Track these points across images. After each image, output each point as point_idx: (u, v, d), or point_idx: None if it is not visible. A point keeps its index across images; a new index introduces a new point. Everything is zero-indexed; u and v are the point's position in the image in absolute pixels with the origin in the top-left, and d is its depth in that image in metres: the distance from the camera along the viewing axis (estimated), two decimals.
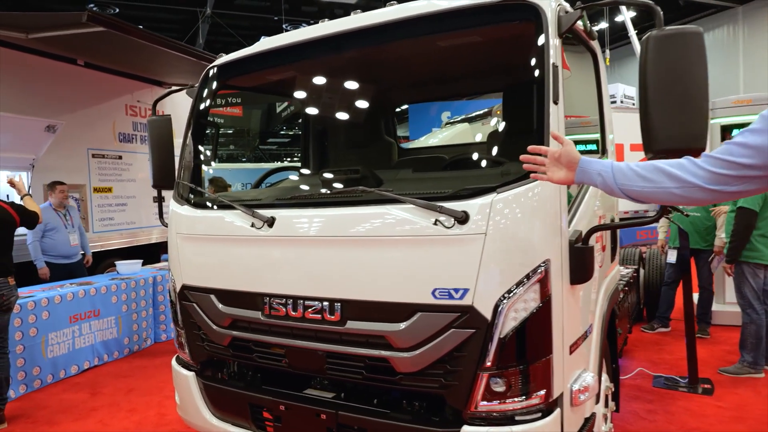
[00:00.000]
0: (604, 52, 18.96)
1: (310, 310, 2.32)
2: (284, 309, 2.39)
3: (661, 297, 5.95)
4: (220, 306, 2.61)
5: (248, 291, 2.52)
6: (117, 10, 16.72)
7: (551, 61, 2.08)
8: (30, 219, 4.33)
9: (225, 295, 2.61)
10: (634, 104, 13.38)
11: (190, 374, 2.79)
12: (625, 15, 13.70)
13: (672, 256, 5.74)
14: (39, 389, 4.75)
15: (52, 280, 5.81)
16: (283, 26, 20.63)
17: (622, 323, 4.01)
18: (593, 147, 6.34)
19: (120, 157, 7.84)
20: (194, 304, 2.73)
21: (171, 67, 7.19)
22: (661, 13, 1.97)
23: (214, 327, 2.63)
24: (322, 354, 2.32)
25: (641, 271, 6.15)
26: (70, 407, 4.34)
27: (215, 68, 3.04)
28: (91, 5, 15.46)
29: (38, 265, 5.83)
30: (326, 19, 2.77)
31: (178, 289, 2.82)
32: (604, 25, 17.26)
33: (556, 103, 2.06)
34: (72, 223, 6.21)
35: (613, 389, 2.94)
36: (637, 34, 13.84)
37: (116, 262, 6.28)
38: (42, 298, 4.83)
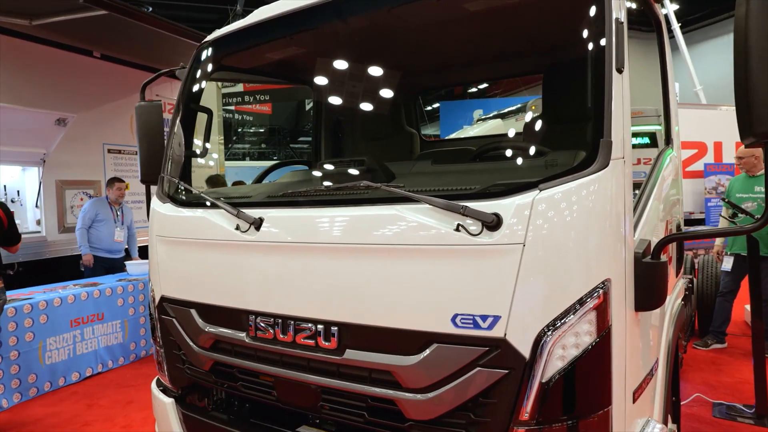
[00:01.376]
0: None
1: (301, 333, 1.87)
2: (272, 331, 1.95)
3: (716, 309, 5.33)
4: (201, 323, 2.19)
5: (232, 307, 2.09)
6: (150, 9, 16.73)
7: (614, 16, 1.58)
8: (12, 232, 4.05)
9: (207, 310, 2.18)
10: (678, 100, 12.61)
11: (169, 401, 2.38)
12: (668, 6, 12.90)
13: (728, 263, 5.11)
14: (34, 398, 4.45)
15: (93, 271, 5.94)
16: None
17: (680, 343, 3.45)
18: (646, 140, 5.75)
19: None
20: (174, 320, 2.31)
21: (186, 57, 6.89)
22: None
23: (195, 348, 2.21)
24: (316, 388, 1.87)
25: (693, 280, 5.53)
26: (61, 422, 4.01)
27: (209, 45, 2.62)
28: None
29: (82, 251, 5.99)
30: None
31: (156, 301, 2.41)
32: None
33: (620, 71, 1.55)
34: (122, 220, 6.30)
35: (676, 430, 2.40)
36: (681, 27, 13.02)
37: (126, 263, 6.00)
38: (40, 301, 4.53)
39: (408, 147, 3.22)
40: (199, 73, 2.64)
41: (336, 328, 1.79)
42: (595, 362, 1.49)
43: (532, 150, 1.88)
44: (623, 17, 1.60)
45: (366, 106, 2.97)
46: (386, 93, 2.94)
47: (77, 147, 6.63)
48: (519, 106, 9.69)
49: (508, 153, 2.20)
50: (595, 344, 1.48)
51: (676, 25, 12.89)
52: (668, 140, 2.46)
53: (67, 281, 5.48)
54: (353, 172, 1.99)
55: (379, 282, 1.71)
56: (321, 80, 2.97)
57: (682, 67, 13.66)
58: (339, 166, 2.13)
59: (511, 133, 4.40)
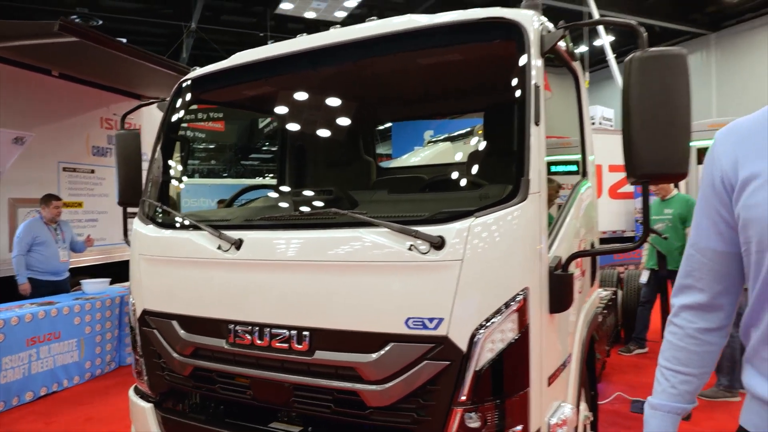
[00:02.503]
0: (584, 74, 19.32)
1: (276, 338, 2.19)
2: (250, 337, 2.25)
3: (637, 318, 5.94)
4: (182, 333, 2.46)
5: (213, 318, 2.37)
6: (100, 22, 16.55)
7: (533, 81, 2.01)
8: None
9: (188, 321, 2.46)
10: (612, 126, 13.57)
11: (148, 406, 2.62)
12: (604, 39, 13.95)
13: (644, 277, 5.74)
14: None
15: (37, 297, 5.61)
16: (268, 43, 20.64)
17: (601, 347, 3.93)
18: (574, 168, 6.35)
19: (93, 171, 7.63)
20: (155, 331, 2.57)
21: (149, 79, 7.05)
22: (645, 34, 1.92)
23: (176, 355, 2.48)
24: (288, 386, 2.19)
25: (619, 292, 6.13)
26: None
27: (188, 81, 2.92)
28: (74, 16, 15.27)
29: (19, 281, 5.66)
30: (303, 35, 2.68)
31: (138, 314, 2.66)
32: (584, 48, 17.62)
33: (537, 124, 1.98)
34: (63, 238, 6.05)
35: (592, 418, 2.84)
36: (616, 57, 14.11)
37: (81, 281, 6.03)
38: None
39: (366, 174, 3.61)
40: (178, 106, 2.93)
41: (307, 333, 2.12)
42: (516, 354, 1.88)
43: (471, 183, 2.29)
44: (541, 82, 2.04)
45: (328, 137, 3.34)
46: (346, 126, 3.31)
47: (32, 165, 6.63)
48: (467, 130, 10.29)
49: (453, 183, 2.62)
50: (516, 339, 1.87)
51: (611, 56, 13.93)
52: (584, 172, 2.94)
53: (23, 300, 5.50)
54: (323, 199, 2.35)
55: (345, 292, 2.06)
56: (287, 114, 3.32)
57: (617, 94, 14.75)
58: (310, 194, 2.47)
59: (458, 159, 4.83)
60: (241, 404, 2.40)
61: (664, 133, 1.78)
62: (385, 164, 10.19)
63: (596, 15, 12.21)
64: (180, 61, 19.07)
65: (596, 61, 21.15)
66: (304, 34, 2.66)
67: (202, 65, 2.95)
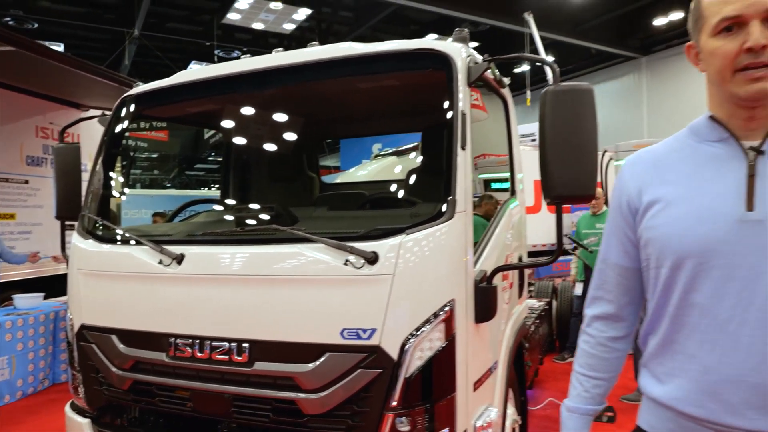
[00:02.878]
0: (524, 92, 20.13)
1: (217, 351, 2.25)
2: (190, 350, 2.30)
3: (571, 327, 6.25)
4: (121, 347, 2.47)
5: (153, 331, 2.40)
6: (36, 25, 15.90)
7: (460, 109, 2.18)
8: None
9: (127, 335, 2.48)
10: None
11: (85, 421, 2.60)
12: (548, 59, 14.66)
13: (578, 289, 6.08)
14: None
15: None
16: (215, 52, 20.36)
17: (533, 355, 4.16)
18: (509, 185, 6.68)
19: (27, 182, 7.34)
20: (93, 345, 2.57)
21: (88, 89, 6.89)
22: (558, 70, 2.14)
23: (114, 370, 2.49)
24: (228, 397, 2.25)
25: (554, 303, 6.45)
26: None
27: (130, 98, 2.95)
28: (8, 19, 14.63)
29: None
30: (248, 55, 2.78)
31: (76, 329, 2.65)
32: (525, 68, 18.40)
33: (463, 148, 2.16)
34: None
35: (520, 422, 3.03)
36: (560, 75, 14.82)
37: (13, 296, 5.80)
38: None
39: (309, 190, 3.71)
40: (120, 121, 2.95)
41: (247, 345, 2.19)
42: (443, 361, 2.03)
43: (405, 201, 2.45)
44: (467, 109, 2.21)
45: (271, 154, 3.43)
46: (288, 143, 3.42)
47: None
48: (414, 144, 10.56)
49: (388, 201, 2.77)
50: (443, 348, 2.02)
51: (551, 76, 14.63)
52: (512, 191, 3.15)
53: None
54: (264, 215, 2.44)
55: (283, 305, 2.15)
56: (231, 131, 3.39)
57: None
58: (252, 210, 2.56)
59: (400, 174, 5.01)
60: (181, 417, 2.44)
61: (573, 158, 1.98)
62: (329, 178, 10.32)
63: (537, 37, 12.82)
64: (122, 69, 18.58)
65: (538, 79, 22.13)
66: (248, 55, 2.76)
67: (145, 73, 3.00)
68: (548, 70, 2.10)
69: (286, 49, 2.51)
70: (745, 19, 1.05)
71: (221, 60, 21.15)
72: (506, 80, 2.98)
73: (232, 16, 17.47)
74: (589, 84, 2.09)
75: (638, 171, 1.26)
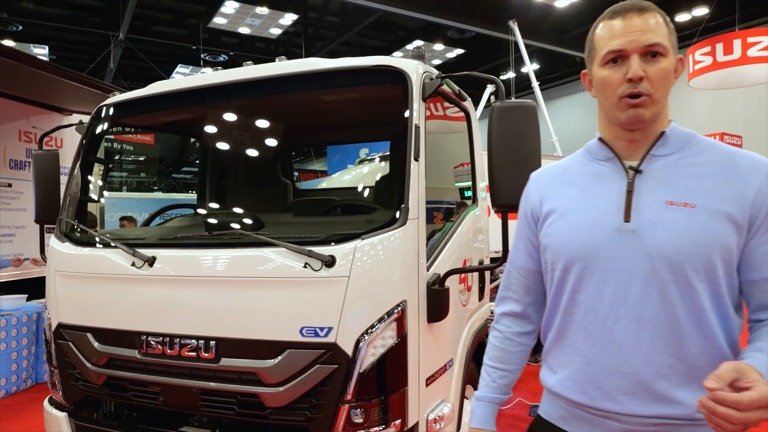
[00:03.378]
0: (510, 98, 20.40)
1: (186, 348, 2.39)
2: (161, 347, 2.44)
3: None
4: (96, 345, 2.60)
5: (126, 329, 2.54)
6: (20, 28, 15.89)
7: (414, 123, 2.35)
8: None
9: (102, 333, 2.61)
10: None
11: (62, 415, 2.73)
12: (529, 67, 14.93)
13: None
14: None
15: None
16: (201, 56, 20.43)
17: None
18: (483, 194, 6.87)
19: (10, 185, 7.41)
20: (70, 343, 2.70)
21: (71, 95, 6.97)
22: (503, 88, 2.31)
23: (90, 366, 2.62)
24: (196, 391, 2.39)
25: None
26: None
27: (106, 107, 3.08)
28: None
29: None
30: (217, 68, 2.92)
31: (53, 328, 2.78)
32: (511, 74, 18.68)
33: (416, 159, 2.32)
34: None
35: None
36: (540, 85, 15.10)
37: None
38: None
39: (282, 195, 3.86)
40: (96, 129, 3.08)
41: (214, 342, 2.34)
42: (395, 357, 2.19)
43: (363, 208, 2.61)
44: (422, 123, 2.38)
45: (245, 162, 3.58)
46: (260, 151, 3.57)
47: None
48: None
49: (348, 208, 2.94)
50: (395, 345, 2.18)
51: (535, 83, 14.86)
52: (474, 199, 3.32)
53: None
54: (232, 220, 2.59)
55: (247, 305, 2.30)
56: (206, 140, 3.54)
57: (541, 120, 15.77)
58: (221, 215, 2.70)
59: (367, 183, 5.16)
60: (153, 410, 2.57)
61: (516, 170, 2.14)
62: (315, 183, 10.43)
63: (522, 45, 13.06)
64: (107, 72, 18.58)
65: (523, 87, 22.42)
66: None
67: (131, 76, 3.13)
68: (489, 89, 2.27)
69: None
70: (627, 53, 1.22)
71: (207, 64, 21.23)
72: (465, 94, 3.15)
73: (219, 21, 17.56)
74: (533, 102, 2.26)
75: (541, 184, 1.43)
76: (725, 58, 12.84)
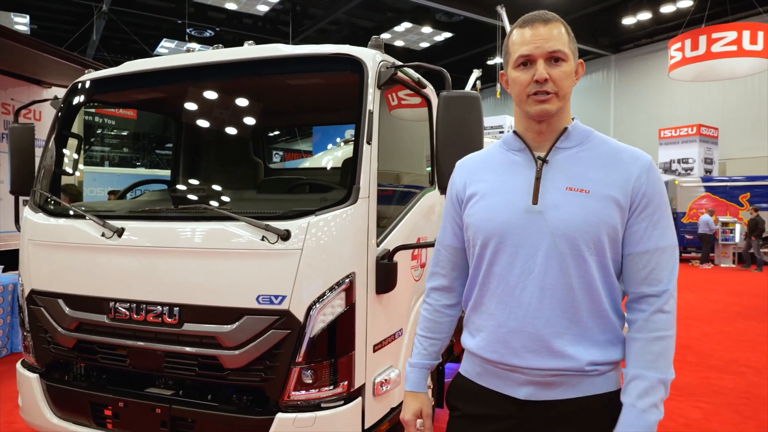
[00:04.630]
0: (495, 86, 20.54)
1: (151, 313, 2.56)
2: (128, 313, 2.61)
3: None
4: (67, 310, 2.76)
5: (95, 296, 2.70)
6: None
7: (368, 108, 2.51)
8: None
9: (72, 299, 2.77)
10: None
11: (34, 376, 2.90)
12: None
13: None
14: None
15: None
16: (187, 31, 20.23)
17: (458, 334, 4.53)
18: None
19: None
20: (42, 308, 2.85)
21: (49, 68, 7.00)
22: (450, 78, 2.48)
23: (61, 330, 2.78)
24: (160, 354, 2.57)
25: None
26: None
27: (81, 84, 3.20)
28: None
29: None
30: (200, 49, 3.04)
31: (26, 294, 2.93)
32: (498, 60, 18.78)
33: (369, 143, 2.49)
34: None
35: (432, 386, 3.41)
36: None
37: None
38: None
39: (253, 174, 4.02)
40: (70, 105, 3.20)
41: (177, 308, 2.51)
42: (343, 324, 2.39)
43: (321, 187, 2.78)
44: (376, 109, 2.54)
45: (217, 140, 3.72)
46: (233, 130, 3.71)
47: None
48: None
49: (308, 186, 3.12)
50: (343, 313, 2.38)
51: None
52: (432, 181, 3.50)
53: None
54: (198, 195, 2.75)
55: (209, 274, 2.47)
56: (179, 117, 3.66)
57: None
58: (189, 191, 2.86)
59: (325, 167, 5.29)
60: (120, 372, 2.75)
61: (460, 154, 2.30)
62: (296, 163, 10.56)
63: (509, 29, 13.18)
64: (89, 44, 18.34)
65: None
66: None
67: (114, 48, 3.24)
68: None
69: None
70: (534, 58, 1.40)
71: (193, 39, 20.99)
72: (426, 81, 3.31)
73: None
74: (477, 92, 2.44)
75: (465, 170, 1.61)
76: (692, 53, 13.24)
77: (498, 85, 19.32)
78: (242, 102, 3.39)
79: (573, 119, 1.49)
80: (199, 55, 2.91)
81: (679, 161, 19.84)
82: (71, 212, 2.88)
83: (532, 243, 1.40)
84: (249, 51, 2.79)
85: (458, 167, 1.65)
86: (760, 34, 12.80)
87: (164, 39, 21.78)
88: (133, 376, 2.75)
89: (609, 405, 1.40)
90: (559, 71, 1.40)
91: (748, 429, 4.03)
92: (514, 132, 1.53)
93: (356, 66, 2.57)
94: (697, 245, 16.65)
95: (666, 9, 19.21)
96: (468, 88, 14.02)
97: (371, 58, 2.60)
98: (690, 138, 19.65)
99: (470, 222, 1.52)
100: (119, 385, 2.76)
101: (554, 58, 1.40)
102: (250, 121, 3.70)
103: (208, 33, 20.89)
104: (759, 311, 8.84)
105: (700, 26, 15.25)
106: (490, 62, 22.93)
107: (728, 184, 17.38)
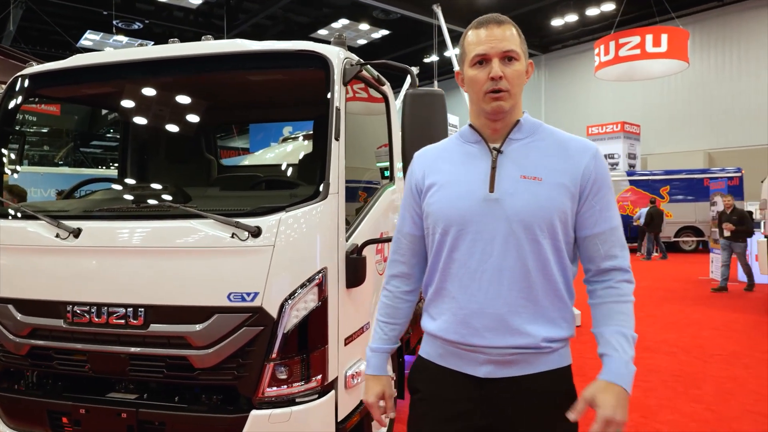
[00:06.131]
0: (432, 83, 20.94)
1: (114, 316, 2.48)
2: (88, 316, 2.51)
3: None
4: (18, 316, 2.62)
5: (50, 300, 2.58)
6: None
7: (335, 104, 2.55)
8: None
9: (24, 304, 2.63)
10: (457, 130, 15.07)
11: None
12: (452, 52, 15.39)
13: None
14: None
15: None
16: (114, 22, 19.26)
17: (414, 326, 4.65)
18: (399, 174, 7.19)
19: None
20: None
21: None
22: (416, 77, 2.56)
23: (11, 337, 2.64)
24: (125, 357, 2.49)
25: None
26: None
27: (23, 78, 3.03)
28: None
29: None
30: (128, 41, 2.95)
31: None
32: (434, 58, 19.15)
33: (337, 139, 2.52)
34: None
35: (394, 377, 3.48)
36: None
37: None
38: None
39: (206, 171, 3.93)
40: (12, 100, 3.02)
41: (142, 309, 2.45)
42: (316, 319, 2.41)
43: (288, 183, 2.78)
44: (342, 105, 2.58)
45: (167, 137, 3.62)
46: (184, 128, 3.63)
47: None
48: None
49: (274, 183, 3.10)
50: (316, 308, 2.40)
51: (457, 68, 15.40)
52: (392, 177, 3.58)
53: None
54: (161, 193, 2.68)
55: (176, 273, 2.43)
56: (126, 114, 3.54)
57: (463, 102, 16.48)
58: (149, 188, 2.78)
59: (290, 161, 5.29)
60: (78, 378, 2.64)
61: None
62: (236, 160, 10.35)
63: (445, 29, 13.44)
64: (5, 34, 17.11)
65: (446, 70, 23.03)
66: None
67: (33, 40, 3.07)
68: (408, 77, 2.53)
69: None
70: (489, 57, 1.50)
71: (120, 31, 20.04)
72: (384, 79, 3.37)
73: None
74: (441, 89, 2.53)
75: (423, 161, 1.68)
76: (605, 57, 14.44)
77: (435, 83, 19.70)
78: (199, 98, 3.32)
79: (524, 113, 1.60)
80: (156, 49, 2.83)
81: (605, 156, 20.95)
82: (20, 213, 2.73)
83: (490, 229, 1.48)
84: (209, 46, 2.75)
85: (416, 158, 1.71)
86: (664, 37, 13.85)
87: (88, 31, 20.62)
88: (92, 381, 2.65)
89: (561, 379, 1.53)
90: (512, 70, 1.50)
91: (681, 403, 4.39)
92: (470, 125, 1.62)
93: (322, 63, 2.59)
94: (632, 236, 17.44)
95: (591, 12, 20.27)
96: (405, 86, 14.21)
97: (336, 55, 2.63)
98: (615, 135, 20.86)
99: (430, 211, 1.58)
100: (77, 392, 2.66)
101: (508, 57, 1.50)
102: (205, 118, 3.62)
103: (137, 25, 19.98)
104: (681, 295, 9.57)
105: (625, 28, 16.24)
106: (426, 60, 23.31)
107: (650, 177, 18.57)
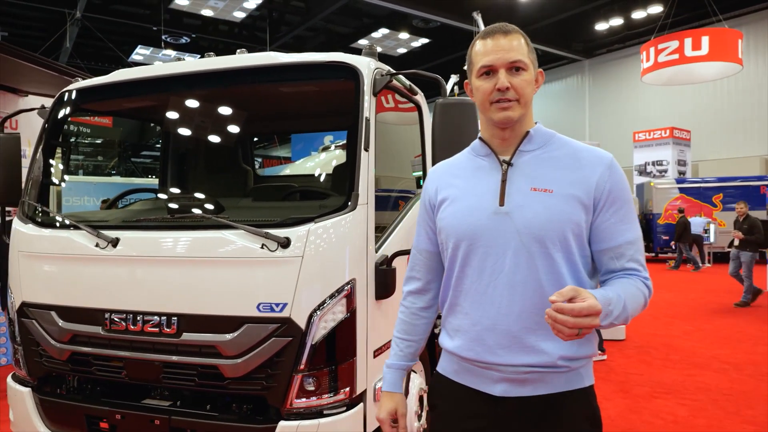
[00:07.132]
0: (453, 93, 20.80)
1: (149, 324, 2.54)
2: (124, 324, 2.58)
3: None
4: (60, 322, 2.72)
5: (89, 307, 2.67)
6: None
7: (365, 115, 2.54)
8: None
9: (66, 311, 2.72)
10: None
11: (26, 390, 2.84)
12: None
13: None
14: None
15: None
16: (163, 37, 20.00)
17: None
18: None
19: None
20: (34, 321, 2.80)
21: (26, 76, 6.86)
22: (446, 86, 2.52)
23: (54, 342, 2.73)
24: (159, 364, 2.54)
25: None
26: None
27: (69, 92, 3.16)
28: None
29: None
30: (176, 55, 3.03)
31: (17, 306, 2.87)
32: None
33: (366, 150, 2.52)
34: None
35: (427, 391, 3.43)
36: None
37: None
38: None
39: (243, 181, 4.01)
40: (58, 114, 3.16)
41: (175, 318, 2.50)
42: (345, 331, 2.40)
43: (318, 194, 2.79)
44: (372, 116, 2.57)
45: (205, 148, 3.70)
46: (224, 138, 3.70)
47: None
48: None
49: (304, 193, 3.13)
50: (345, 319, 2.39)
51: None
52: None
53: None
54: (193, 204, 2.73)
55: (207, 283, 2.46)
56: (167, 126, 3.64)
57: None
58: (183, 199, 2.84)
59: (324, 171, 5.34)
60: (115, 384, 2.71)
61: None
62: (277, 170, 10.53)
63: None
64: (62, 51, 18.00)
65: None
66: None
67: (88, 56, 3.21)
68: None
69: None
70: (496, 68, 1.46)
71: (169, 46, 20.78)
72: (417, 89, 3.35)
73: (180, 1, 17.25)
74: (471, 99, 2.48)
75: (436, 176, 1.65)
76: (646, 64, 14.07)
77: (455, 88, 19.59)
78: (235, 110, 3.39)
79: (536, 123, 1.55)
80: (192, 63, 2.90)
81: (653, 163, 20.30)
82: (63, 223, 2.84)
83: (501, 243, 1.44)
84: (243, 59, 2.80)
85: (430, 174, 1.70)
86: (705, 39, 13.34)
87: (139, 46, 21.50)
88: (129, 387, 2.72)
89: (581, 401, 1.46)
90: (519, 80, 1.46)
91: (733, 425, 4.15)
92: (480, 138, 1.58)
93: (352, 74, 2.59)
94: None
95: (637, 15, 19.70)
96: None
97: (366, 65, 2.63)
98: (663, 140, 20.14)
99: (442, 226, 1.56)
100: (114, 397, 2.73)
101: (515, 68, 1.46)
102: (241, 129, 3.69)
103: (184, 39, 20.69)
104: (733, 309, 9.09)
105: (674, 30, 15.71)
106: (466, 68, 23.17)
107: (701, 185, 17.84)
